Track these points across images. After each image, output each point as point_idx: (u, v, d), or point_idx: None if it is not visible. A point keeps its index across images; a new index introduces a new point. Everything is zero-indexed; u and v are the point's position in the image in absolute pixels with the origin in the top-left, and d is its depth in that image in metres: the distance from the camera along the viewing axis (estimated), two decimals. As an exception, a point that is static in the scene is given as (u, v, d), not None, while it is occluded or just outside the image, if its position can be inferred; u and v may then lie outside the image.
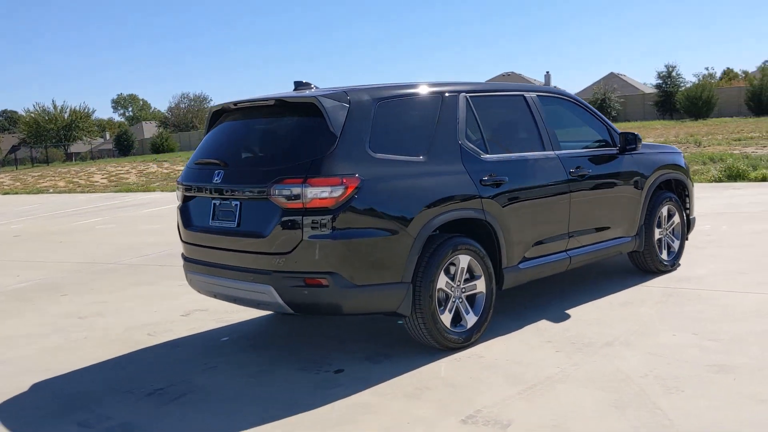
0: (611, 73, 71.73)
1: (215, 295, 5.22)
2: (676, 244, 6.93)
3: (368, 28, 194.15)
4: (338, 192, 4.40)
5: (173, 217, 5.85)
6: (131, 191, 24.27)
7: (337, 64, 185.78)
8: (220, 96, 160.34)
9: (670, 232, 6.87)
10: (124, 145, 69.61)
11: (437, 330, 4.77)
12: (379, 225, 4.56)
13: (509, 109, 5.86)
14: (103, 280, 8.51)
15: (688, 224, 7.10)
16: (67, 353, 5.59)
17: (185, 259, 5.39)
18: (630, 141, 6.35)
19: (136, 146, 72.03)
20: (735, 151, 19.51)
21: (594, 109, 6.52)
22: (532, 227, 5.46)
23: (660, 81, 56.40)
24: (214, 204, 5.03)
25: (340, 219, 4.41)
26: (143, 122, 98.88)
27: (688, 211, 7.12)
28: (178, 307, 6.86)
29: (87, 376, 5.03)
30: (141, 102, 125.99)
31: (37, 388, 4.82)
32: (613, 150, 6.35)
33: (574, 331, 5.19)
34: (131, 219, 15.25)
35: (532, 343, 5.03)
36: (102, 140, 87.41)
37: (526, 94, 5.84)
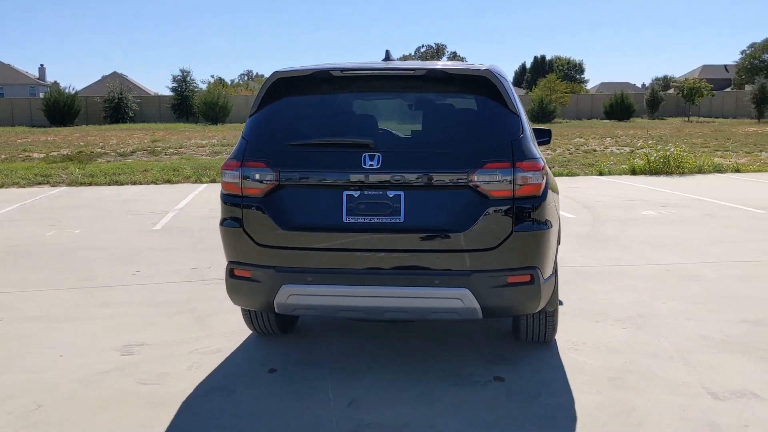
0: (114, 72, 70.38)
1: (355, 310, 4.04)
2: None
3: None
4: (541, 177, 4.00)
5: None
6: None
7: None
8: None
9: None
10: None
11: None
12: (554, 212, 4.30)
13: None
14: None
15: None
16: None
17: (280, 270, 4.02)
18: None
19: None
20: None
21: None
22: None
23: (176, 84, 57.50)
24: (349, 195, 3.95)
25: (543, 206, 4.02)
26: None
27: None
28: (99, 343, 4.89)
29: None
30: None
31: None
32: None
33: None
34: None
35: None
36: None
37: None
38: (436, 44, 79.25)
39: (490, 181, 3.86)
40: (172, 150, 24.59)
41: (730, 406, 3.84)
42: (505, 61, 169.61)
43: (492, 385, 4.19)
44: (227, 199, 4.19)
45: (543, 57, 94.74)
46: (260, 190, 4.05)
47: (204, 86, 59.60)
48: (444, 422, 3.71)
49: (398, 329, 5.16)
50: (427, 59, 76.57)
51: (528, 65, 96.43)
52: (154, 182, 15.45)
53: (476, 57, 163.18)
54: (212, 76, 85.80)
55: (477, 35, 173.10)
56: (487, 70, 4.08)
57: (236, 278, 4.16)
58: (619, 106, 59.39)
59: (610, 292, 6.15)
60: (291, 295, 3.99)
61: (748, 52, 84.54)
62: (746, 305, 5.72)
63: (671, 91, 68.55)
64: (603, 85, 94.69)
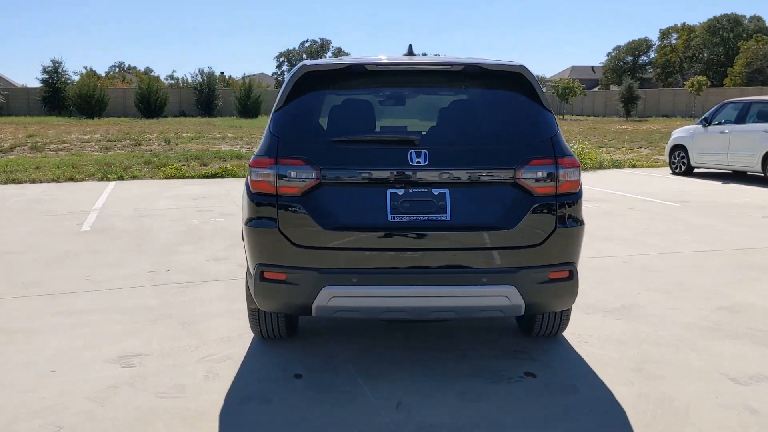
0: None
1: (400, 311, 3.90)
2: None
3: None
4: (578, 174, 4.06)
5: None
6: None
7: None
8: None
9: None
10: None
11: None
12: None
13: None
14: None
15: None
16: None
17: (322, 271, 3.83)
18: None
19: None
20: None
21: None
22: None
23: (47, 76, 54.05)
24: (393, 193, 3.83)
25: (579, 203, 4.08)
26: None
27: None
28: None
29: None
30: None
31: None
32: None
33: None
34: None
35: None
36: None
37: None
38: (321, 39, 78.72)
39: (535, 177, 3.88)
40: (54, 146, 23.12)
41: (755, 391, 4.05)
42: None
43: (527, 381, 4.21)
44: (257, 198, 3.96)
45: (424, 54, 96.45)
46: (299, 189, 3.86)
47: (77, 78, 56.41)
48: (502, 420, 3.69)
49: (404, 328, 5.09)
50: (312, 55, 76.16)
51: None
52: (56, 180, 14.45)
53: (361, 51, 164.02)
54: (85, 68, 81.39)
55: (360, 29, 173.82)
56: (522, 66, 4.09)
57: (268, 281, 3.95)
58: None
59: (582, 285, 6.33)
60: (333, 297, 3.83)
61: (613, 54, 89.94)
62: (711, 294, 6.06)
63: (546, 90, 71.69)
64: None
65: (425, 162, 3.80)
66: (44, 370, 4.38)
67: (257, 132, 32.32)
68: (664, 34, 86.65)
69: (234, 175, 15.60)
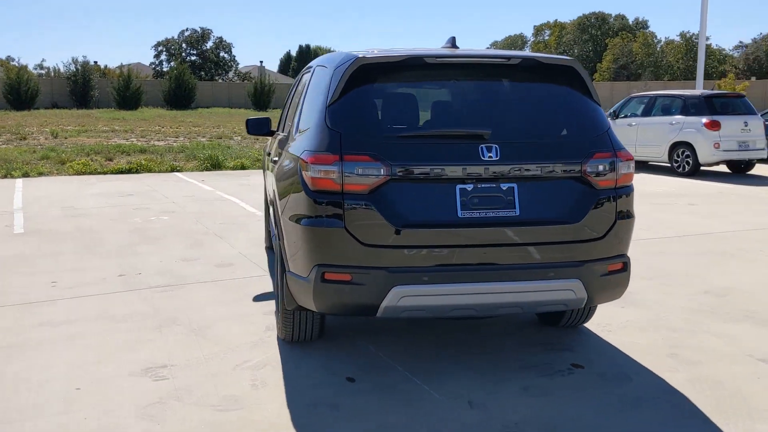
0: None
1: (470, 308, 3.81)
2: None
3: None
4: (632, 167, 4.15)
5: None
6: None
7: None
8: None
9: None
10: None
11: None
12: None
13: None
14: None
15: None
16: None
17: (392, 270, 3.69)
18: None
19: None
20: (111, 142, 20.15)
21: None
22: None
23: None
24: (462, 189, 3.75)
25: (633, 195, 4.17)
26: None
27: None
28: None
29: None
30: None
31: None
32: None
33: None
34: None
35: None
36: None
37: None
38: (201, 28, 76.25)
39: (598, 171, 3.92)
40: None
41: (788, 370, 4.29)
42: (272, 48, 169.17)
43: (578, 372, 4.25)
44: (319, 195, 3.76)
45: (308, 46, 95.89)
46: (367, 186, 3.70)
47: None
48: (582, 413, 3.71)
49: (427, 325, 5.02)
50: (193, 43, 73.70)
51: (293, 54, 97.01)
52: (-48, 178, 13.23)
53: (244, 44, 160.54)
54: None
55: (243, 21, 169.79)
56: (574, 60, 4.12)
57: (330, 282, 3.77)
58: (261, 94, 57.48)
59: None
60: (404, 297, 3.72)
61: (491, 48, 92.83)
62: (691, 279, 6.38)
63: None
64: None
65: (496, 157, 3.76)
66: (66, 388, 3.98)
67: (145, 125, 31.06)
68: (538, 30, 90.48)
69: (150, 170, 14.87)
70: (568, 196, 3.90)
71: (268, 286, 6.06)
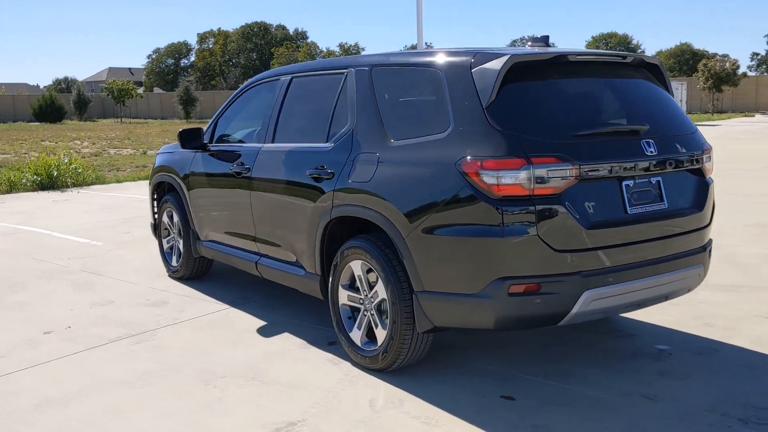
0: None
1: (640, 304, 3.92)
2: None
3: None
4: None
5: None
6: None
7: None
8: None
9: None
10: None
11: None
12: None
13: None
14: None
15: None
16: None
17: (585, 274, 3.59)
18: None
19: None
20: None
21: None
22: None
23: None
24: (626, 185, 3.82)
25: None
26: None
27: None
28: None
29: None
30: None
31: None
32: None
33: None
34: None
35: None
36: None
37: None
38: None
39: (706, 161, 4.31)
40: None
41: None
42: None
43: (671, 355, 4.53)
44: (504, 203, 3.52)
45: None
46: (558, 189, 3.56)
47: None
48: (708, 394, 4.01)
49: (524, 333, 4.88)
50: None
51: None
52: None
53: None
54: None
55: None
56: (657, 58, 4.45)
57: (517, 296, 3.56)
58: (50, 107, 56.71)
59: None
60: (594, 300, 3.66)
61: (154, 56, 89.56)
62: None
63: (103, 93, 68.01)
64: (6, 86, 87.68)
65: (656, 152, 3.91)
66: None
67: None
68: (202, 38, 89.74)
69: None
70: (693, 186, 4.21)
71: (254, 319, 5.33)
